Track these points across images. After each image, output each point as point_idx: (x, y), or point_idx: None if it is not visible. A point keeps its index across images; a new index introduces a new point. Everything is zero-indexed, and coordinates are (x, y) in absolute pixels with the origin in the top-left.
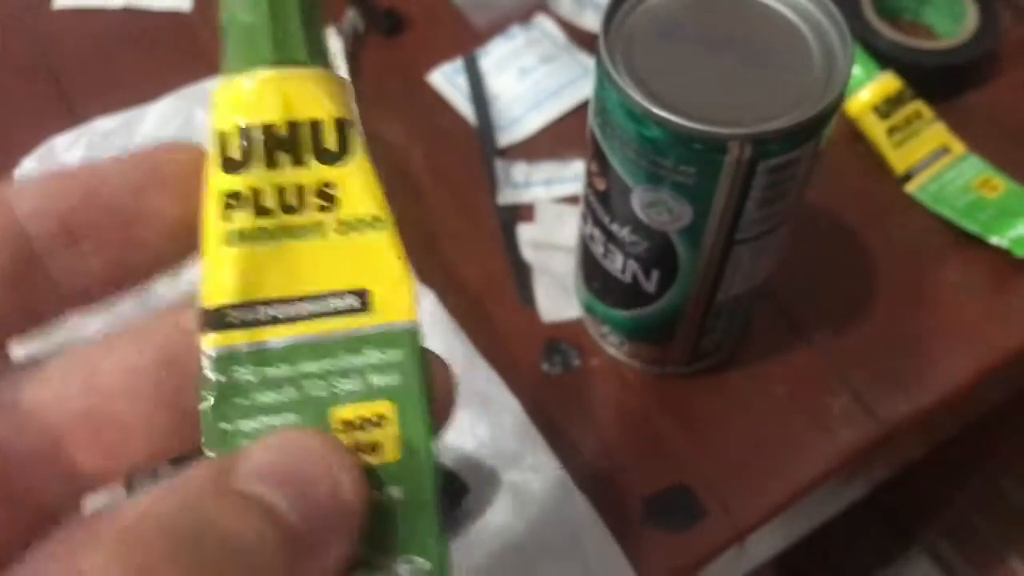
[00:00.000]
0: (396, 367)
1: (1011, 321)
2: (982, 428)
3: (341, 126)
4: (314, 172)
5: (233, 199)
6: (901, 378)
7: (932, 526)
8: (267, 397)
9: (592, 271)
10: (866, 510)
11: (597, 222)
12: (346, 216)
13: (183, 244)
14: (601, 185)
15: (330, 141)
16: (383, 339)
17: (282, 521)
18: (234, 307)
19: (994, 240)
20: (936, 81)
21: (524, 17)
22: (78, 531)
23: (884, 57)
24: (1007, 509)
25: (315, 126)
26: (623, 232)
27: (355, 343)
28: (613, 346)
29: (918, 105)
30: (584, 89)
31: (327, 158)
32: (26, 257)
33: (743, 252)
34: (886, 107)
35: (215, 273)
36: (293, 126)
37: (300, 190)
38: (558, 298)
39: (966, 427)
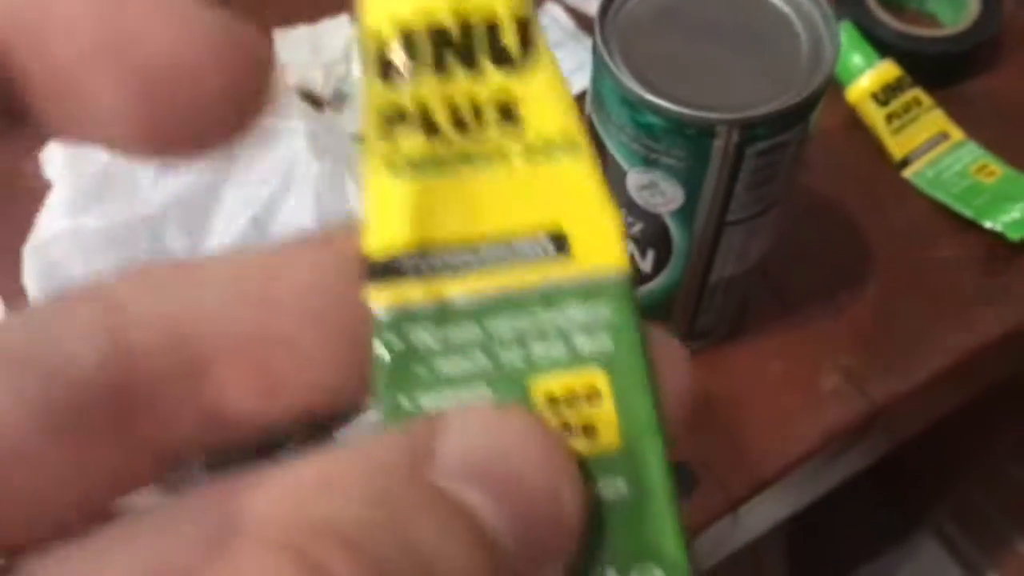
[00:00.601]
0: (606, 327)
1: (1004, 302)
2: (989, 410)
3: (523, 24)
4: (492, 82)
5: (397, 117)
6: (892, 357)
7: (939, 508)
8: (452, 365)
9: None
10: (872, 492)
11: None
12: (533, 139)
13: (165, 156)
14: None
15: (510, 42)
16: (587, 291)
17: (494, 545)
18: (406, 255)
19: (988, 224)
20: (937, 68)
21: (533, 3)
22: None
23: (886, 45)
24: (1014, 491)
25: (490, 23)
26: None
27: (553, 297)
28: None
29: (917, 92)
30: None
31: (508, 64)
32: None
33: (735, 234)
34: (885, 94)
35: (381, 210)
36: (464, 22)
37: (477, 106)
38: None
39: (972, 408)
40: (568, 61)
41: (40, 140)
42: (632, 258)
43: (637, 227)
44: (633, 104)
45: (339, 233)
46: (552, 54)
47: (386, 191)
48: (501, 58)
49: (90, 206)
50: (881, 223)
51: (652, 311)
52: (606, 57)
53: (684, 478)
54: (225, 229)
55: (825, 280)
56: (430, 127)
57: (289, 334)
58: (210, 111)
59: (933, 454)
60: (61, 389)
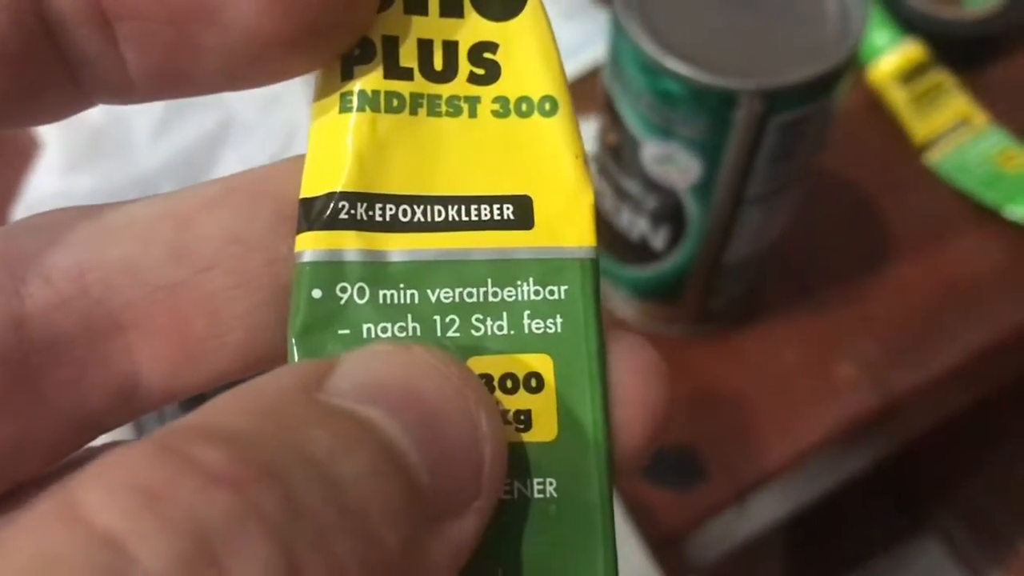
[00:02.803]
0: (560, 309)
1: (1023, 297)
2: (997, 411)
3: None
4: (471, 25)
5: (358, 47)
6: (910, 348)
7: (944, 509)
8: (379, 329)
9: (601, 228)
10: (878, 491)
11: (607, 177)
12: (507, 91)
13: (260, 65)
14: (612, 139)
15: None
16: (546, 267)
17: (403, 463)
18: (346, 197)
19: (1010, 211)
20: (963, 51)
21: None
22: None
23: (911, 26)
24: (1020, 494)
25: None
26: (632, 187)
27: (506, 268)
28: (621, 304)
29: (941, 75)
30: (602, 48)
31: (491, 9)
32: (36, 20)
33: (752, 212)
34: (908, 75)
35: (324, 147)
36: None
37: (450, 48)
38: None
39: (980, 408)
40: (581, 32)
41: (81, 102)
42: (643, 242)
43: (651, 202)
44: (652, 70)
45: (278, 175)
46: (542, 4)
47: (333, 126)
48: (486, 3)
49: (83, 167)
50: (900, 209)
51: (663, 290)
52: (625, 21)
53: (690, 466)
54: None
55: (841, 265)
56: (393, 65)
57: (204, 291)
58: (330, 2)
59: (939, 455)
60: None
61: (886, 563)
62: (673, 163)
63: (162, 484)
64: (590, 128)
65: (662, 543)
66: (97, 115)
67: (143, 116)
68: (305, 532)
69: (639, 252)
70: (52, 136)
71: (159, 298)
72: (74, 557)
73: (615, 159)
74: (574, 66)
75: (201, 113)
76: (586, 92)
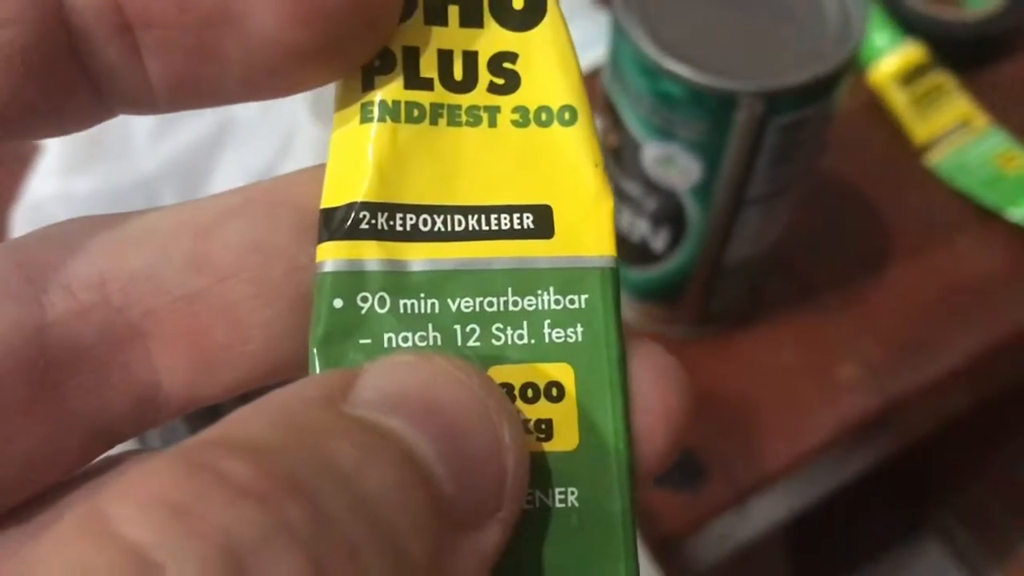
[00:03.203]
0: (580, 318)
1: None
2: (998, 413)
3: None
4: (490, 36)
5: (379, 59)
6: (911, 349)
7: (945, 510)
8: (400, 338)
9: None
10: (879, 492)
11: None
12: (527, 101)
13: (281, 75)
14: (612, 140)
15: None
16: (566, 276)
17: (428, 474)
18: (367, 207)
19: (1011, 213)
20: (963, 53)
21: None
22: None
23: (911, 27)
24: (1022, 495)
25: None
26: (633, 189)
27: (526, 277)
28: (622, 306)
29: (942, 76)
30: (603, 50)
31: (510, 20)
32: (58, 31)
33: (753, 213)
34: (909, 77)
35: (345, 157)
36: None
37: (470, 59)
38: None
39: (981, 410)
40: (580, 34)
41: (103, 112)
42: (644, 243)
43: (651, 204)
44: (652, 72)
45: (296, 185)
46: (562, 15)
47: (353, 137)
48: (504, 11)
49: (83, 168)
50: (901, 210)
51: (663, 292)
52: (626, 22)
53: (691, 468)
54: None
55: (842, 266)
56: (414, 74)
57: (224, 300)
58: (352, 12)
59: (940, 456)
60: None
61: (887, 564)
62: (673, 165)
63: (191, 498)
64: None
65: (663, 544)
66: None
67: (142, 118)
68: (333, 544)
69: (639, 254)
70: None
71: (179, 307)
72: (105, 571)
73: (615, 161)
74: None
75: (200, 115)
76: (588, 92)
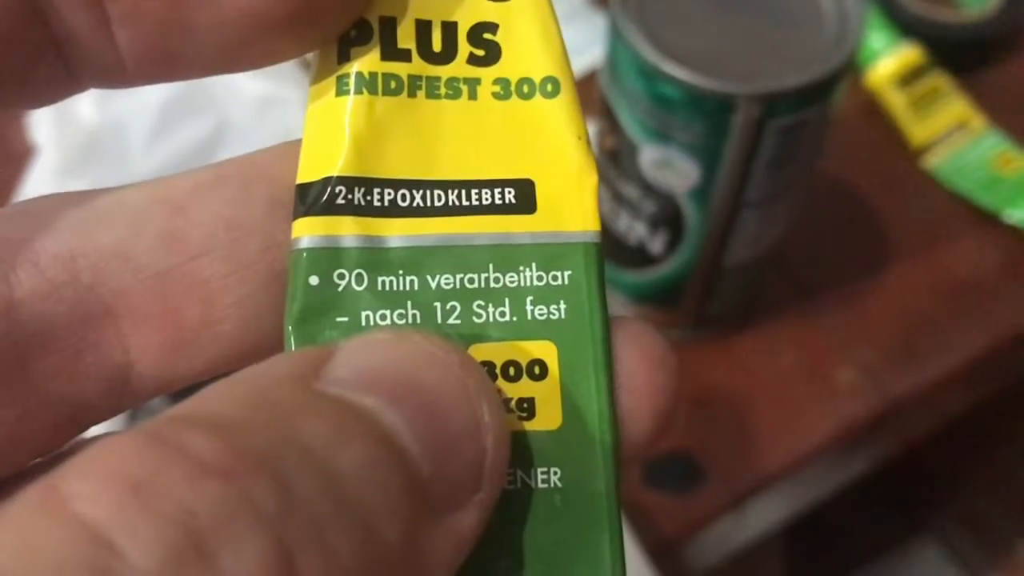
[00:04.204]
0: (563, 294)
1: (1022, 299)
2: (996, 415)
3: None
4: (470, 5)
5: (355, 29)
6: (908, 352)
7: (944, 513)
8: (377, 316)
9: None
10: (877, 495)
11: (605, 181)
12: (508, 73)
13: (255, 45)
14: (610, 143)
15: None
16: (548, 252)
17: (403, 454)
18: (344, 181)
19: (1008, 215)
20: (961, 55)
21: None
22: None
23: (908, 29)
24: (1020, 497)
25: None
26: (630, 192)
27: (508, 253)
28: (620, 309)
29: (939, 78)
30: (600, 52)
31: None
32: (23, 10)
33: (751, 216)
34: (906, 79)
35: (320, 131)
36: None
37: (449, 29)
38: None
39: (979, 412)
40: (577, 36)
41: (78, 88)
42: (641, 246)
43: (649, 207)
44: (649, 74)
45: (271, 160)
46: None
47: (329, 110)
48: None
49: (79, 170)
50: (899, 212)
51: (661, 295)
52: (623, 25)
53: (688, 471)
54: None
55: (840, 269)
56: (391, 45)
57: (197, 278)
58: None
59: (938, 459)
60: None
61: (885, 567)
62: (671, 167)
63: (150, 475)
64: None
65: (661, 548)
66: (92, 119)
67: (138, 120)
68: (300, 525)
69: (637, 257)
70: (48, 140)
71: (151, 285)
72: (59, 550)
73: (613, 164)
74: (573, 69)
75: (196, 117)
76: (583, 96)
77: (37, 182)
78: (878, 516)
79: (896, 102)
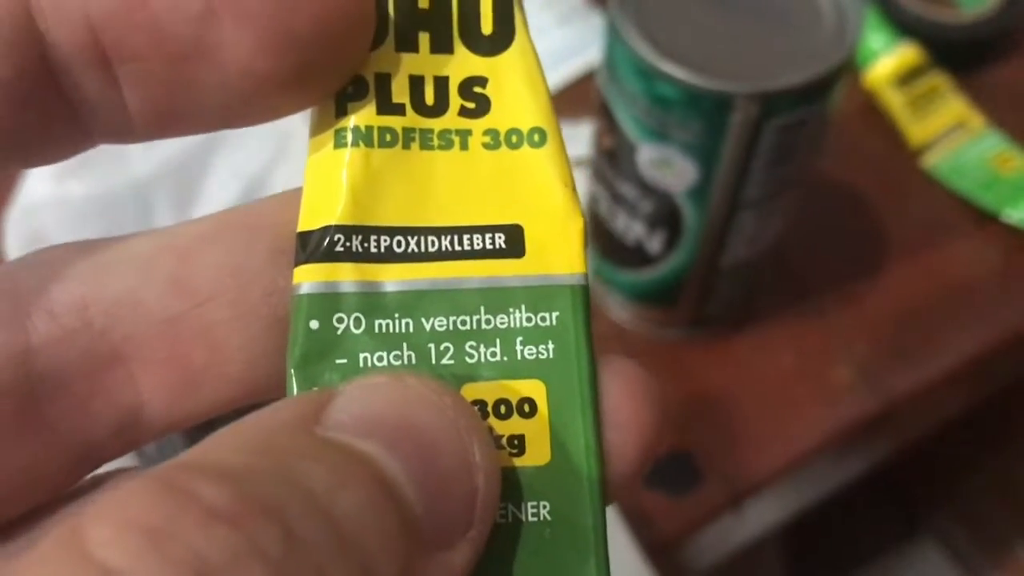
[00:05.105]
0: (552, 335)
1: (1021, 299)
2: (995, 415)
3: (502, 2)
4: (461, 61)
5: (351, 85)
6: (907, 352)
7: (943, 512)
8: (375, 358)
9: (598, 232)
10: (875, 495)
11: (603, 181)
12: (498, 124)
13: (256, 103)
14: (608, 143)
15: (485, 22)
16: (537, 294)
17: (399, 497)
18: (342, 230)
19: (1007, 214)
20: (959, 54)
21: None
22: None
23: (907, 29)
24: (1020, 497)
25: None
26: (628, 191)
27: (498, 296)
28: (618, 308)
29: (938, 78)
30: (597, 52)
31: (480, 45)
32: (39, 64)
33: (749, 215)
34: (905, 79)
35: (320, 182)
36: None
37: (440, 84)
38: None
39: (977, 412)
40: (575, 37)
41: (84, 144)
42: (639, 246)
43: (647, 206)
44: (647, 74)
45: (273, 209)
46: (530, 37)
47: (328, 162)
48: (473, 37)
49: (77, 173)
50: (897, 212)
51: (659, 295)
52: (621, 25)
53: (686, 471)
54: (215, 199)
55: (838, 268)
56: (386, 100)
57: (204, 323)
58: (324, 41)
59: (936, 458)
60: None
61: (884, 567)
62: (669, 167)
63: (165, 521)
64: (585, 132)
65: (658, 548)
66: None
67: None
68: (303, 566)
69: (635, 256)
70: None
71: (160, 330)
72: None
73: (611, 163)
74: (569, 70)
75: None
76: (581, 96)
77: (35, 184)
78: (876, 516)
79: (895, 102)
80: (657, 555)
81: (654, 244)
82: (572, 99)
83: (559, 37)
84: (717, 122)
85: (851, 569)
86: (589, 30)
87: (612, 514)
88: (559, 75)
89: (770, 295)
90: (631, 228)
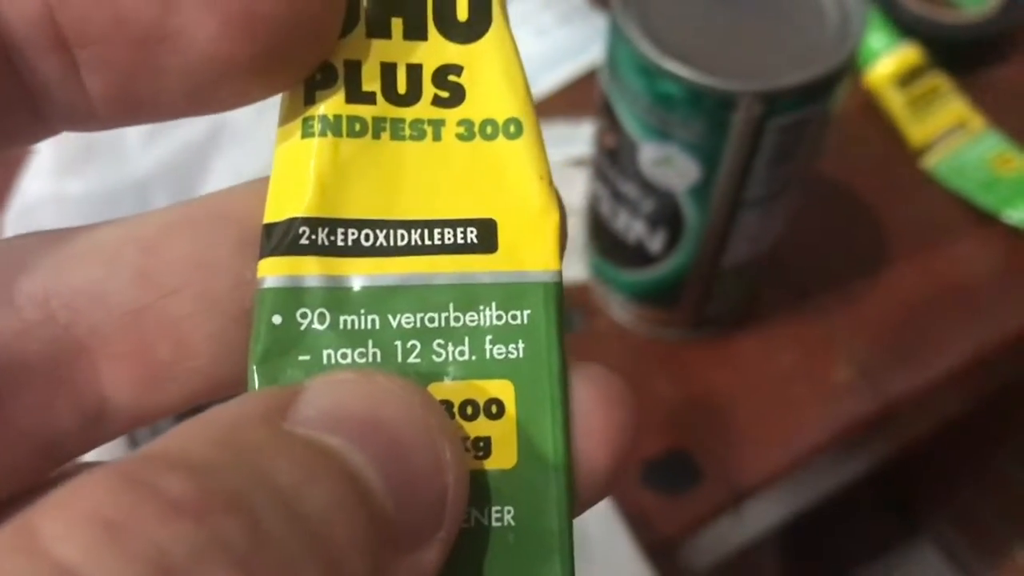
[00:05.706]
0: (522, 333)
1: (1021, 300)
2: (994, 416)
3: None
4: (435, 48)
5: (320, 73)
6: (907, 352)
7: (940, 514)
8: (339, 355)
9: (599, 231)
10: (874, 496)
11: (605, 180)
12: (472, 114)
13: (221, 89)
14: (610, 141)
15: (461, 8)
16: (508, 292)
17: (368, 493)
18: (307, 222)
19: (1007, 215)
20: (960, 55)
21: None
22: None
23: (908, 29)
24: (1016, 499)
25: None
26: (630, 190)
27: (468, 293)
28: (619, 308)
29: (938, 78)
30: (599, 52)
31: (455, 32)
32: None
33: (751, 215)
34: (905, 79)
35: (286, 173)
36: None
37: (413, 72)
38: (565, 259)
39: (976, 413)
40: (577, 37)
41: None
42: (640, 245)
43: (648, 206)
44: (650, 72)
45: (239, 200)
46: (508, 24)
47: (295, 151)
48: (449, 23)
49: (76, 170)
50: (898, 212)
51: (660, 294)
52: (623, 23)
53: (686, 471)
54: None
55: (839, 269)
56: (356, 90)
57: (169, 316)
58: (290, 26)
59: (935, 459)
60: None
61: (882, 567)
62: (671, 166)
63: (123, 515)
64: (586, 132)
65: (658, 548)
66: None
67: None
68: (270, 562)
69: (636, 255)
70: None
71: (125, 322)
72: None
73: (612, 162)
74: (571, 70)
75: (193, 118)
76: (584, 95)
77: (34, 181)
78: (875, 516)
79: (895, 102)
80: (657, 555)
81: (655, 243)
82: (573, 99)
83: (560, 37)
84: (719, 121)
85: (849, 569)
86: (590, 30)
87: (612, 514)
88: (560, 75)
89: (770, 295)
90: (632, 227)
